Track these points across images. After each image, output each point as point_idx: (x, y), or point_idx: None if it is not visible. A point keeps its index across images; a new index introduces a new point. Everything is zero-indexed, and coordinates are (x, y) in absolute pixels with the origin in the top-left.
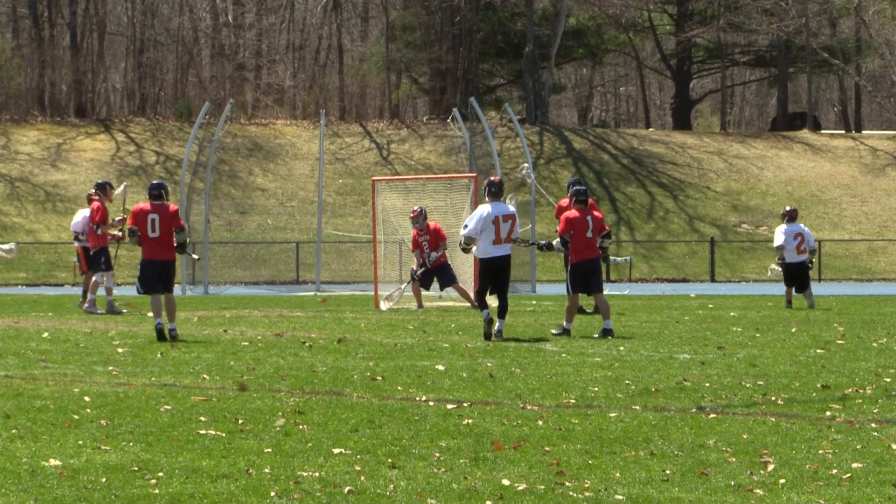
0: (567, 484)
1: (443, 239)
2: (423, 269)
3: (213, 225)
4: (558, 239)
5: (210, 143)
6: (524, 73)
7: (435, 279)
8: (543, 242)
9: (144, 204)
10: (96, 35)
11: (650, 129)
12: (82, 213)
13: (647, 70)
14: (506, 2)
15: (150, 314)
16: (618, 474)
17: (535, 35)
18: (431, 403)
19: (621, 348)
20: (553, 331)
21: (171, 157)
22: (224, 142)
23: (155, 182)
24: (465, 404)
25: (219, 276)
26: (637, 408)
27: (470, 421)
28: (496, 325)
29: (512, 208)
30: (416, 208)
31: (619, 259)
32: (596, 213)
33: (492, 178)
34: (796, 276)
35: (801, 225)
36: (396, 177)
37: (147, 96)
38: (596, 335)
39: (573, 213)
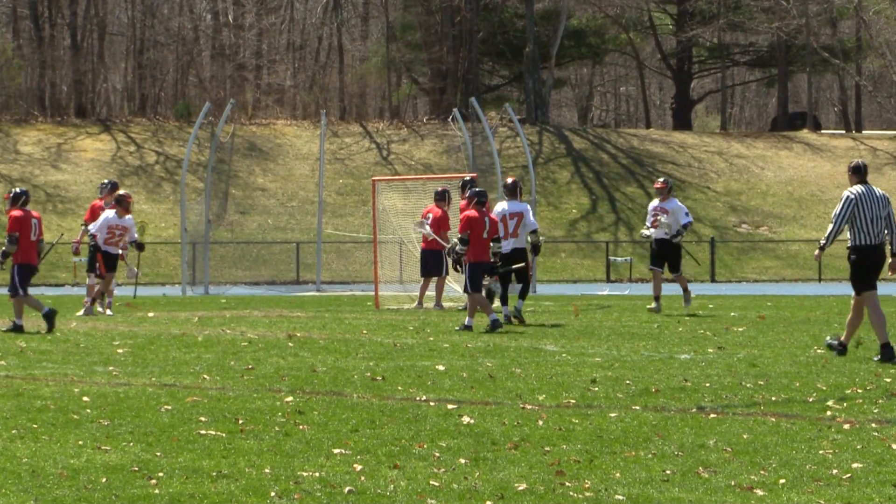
0: (567, 484)
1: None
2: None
3: (212, 224)
4: (456, 240)
5: (211, 143)
6: (524, 73)
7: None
8: (450, 248)
9: (19, 211)
10: (96, 35)
11: (650, 129)
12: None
13: (647, 70)
14: (506, 2)
15: (23, 311)
16: (618, 474)
17: (535, 35)
18: (432, 403)
19: (622, 349)
20: (456, 327)
21: (170, 157)
22: (224, 142)
23: (23, 188)
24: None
25: (219, 277)
26: (637, 408)
27: (470, 421)
28: (516, 304)
29: (520, 205)
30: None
31: (618, 259)
32: (492, 217)
33: (506, 180)
34: (659, 253)
35: (674, 200)
36: (396, 177)
37: (147, 96)
38: (484, 329)
39: (472, 213)
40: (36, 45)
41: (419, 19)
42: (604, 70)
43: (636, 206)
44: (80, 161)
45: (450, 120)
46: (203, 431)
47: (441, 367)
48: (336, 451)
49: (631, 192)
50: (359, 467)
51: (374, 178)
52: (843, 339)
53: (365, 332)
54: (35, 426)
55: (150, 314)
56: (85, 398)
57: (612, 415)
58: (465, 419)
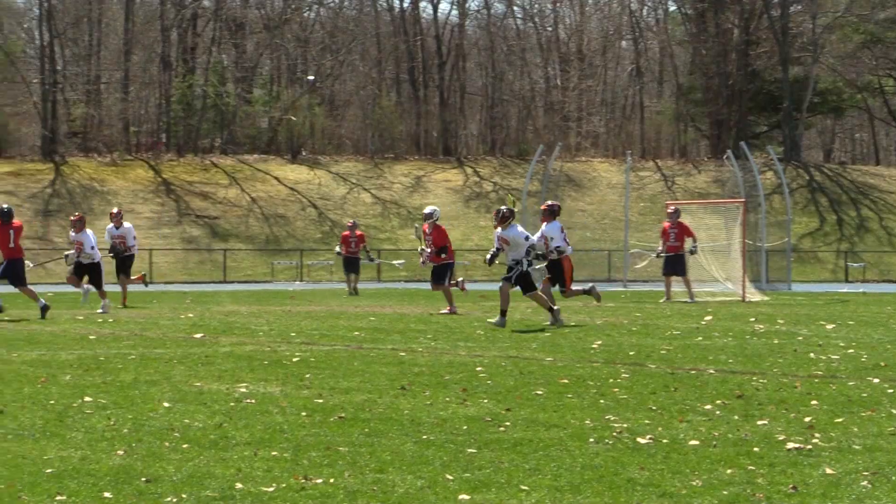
0: (817, 435)
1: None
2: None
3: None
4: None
5: (544, 175)
6: (781, 122)
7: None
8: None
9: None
10: (459, 95)
11: (878, 166)
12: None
13: (876, 120)
14: (767, 69)
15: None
16: (856, 429)
17: (790, 93)
18: (713, 372)
19: (858, 333)
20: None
21: (504, 186)
22: (552, 175)
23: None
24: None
25: None
26: (873, 379)
27: (742, 387)
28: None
29: (548, 227)
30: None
31: (857, 265)
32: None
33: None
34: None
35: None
36: (684, 201)
37: (495, 140)
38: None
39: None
40: (413, 101)
41: (701, 82)
42: (843, 121)
43: (859, 229)
44: (435, 189)
45: (724, 159)
46: (539, 392)
47: (720, 343)
48: (644, 406)
49: (854, 217)
50: (655, 420)
51: (667, 202)
52: None
53: (661, 319)
54: (414, 386)
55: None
56: (450, 367)
57: (851, 383)
58: (738, 386)
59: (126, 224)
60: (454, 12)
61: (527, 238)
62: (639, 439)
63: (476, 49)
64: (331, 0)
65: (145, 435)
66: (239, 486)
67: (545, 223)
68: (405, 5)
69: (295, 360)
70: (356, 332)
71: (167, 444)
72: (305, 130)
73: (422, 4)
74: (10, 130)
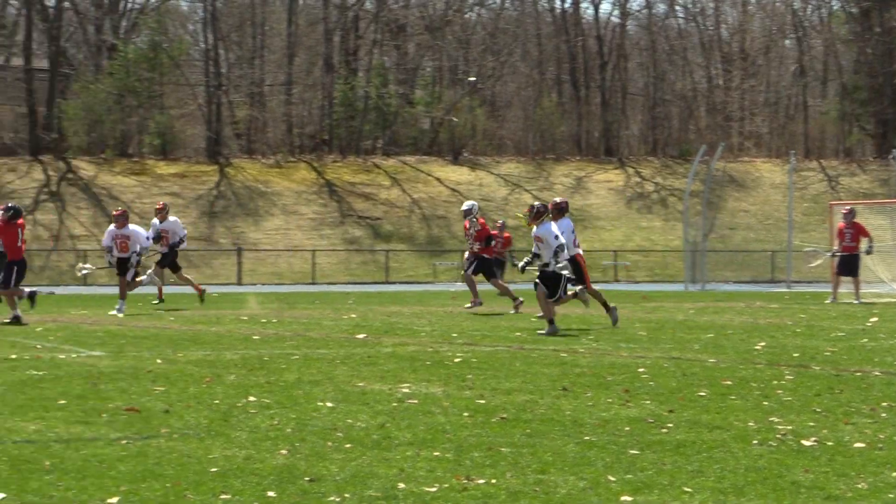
0: None
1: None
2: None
3: (709, 237)
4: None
5: (706, 176)
6: None
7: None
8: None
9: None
10: (620, 95)
11: None
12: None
13: None
14: None
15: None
16: None
17: None
18: (877, 373)
19: None
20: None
21: (665, 186)
22: (715, 175)
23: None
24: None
25: (714, 276)
26: None
27: None
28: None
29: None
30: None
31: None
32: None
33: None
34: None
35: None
36: (849, 201)
37: (657, 141)
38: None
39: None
40: (574, 102)
41: (866, 81)
42: None
43: None
44: (596, 189)
45: (889, 158)
46: (702, 393)
47: (886, 345)
48: (808, 408)
49: None
50: (820, 422)
51: (830, 202)
52: None
53: (825, 321)
54: (575, 387)
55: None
56: (611, 368)
57: None
58: None
59: (169, 220)
60: (615, 12)
61: (556, 237)
62: (803, 441)
63: (637, 49)
64: (492, 1)
65: (308, 434)
66: (401, 485)
67: (553, 222)
68: (566, 6)
69: (457, 360)
70: (517, 333)
71: (330, 443)
72: (467, 131)
73: (583, 5)
74: (176, 132)
